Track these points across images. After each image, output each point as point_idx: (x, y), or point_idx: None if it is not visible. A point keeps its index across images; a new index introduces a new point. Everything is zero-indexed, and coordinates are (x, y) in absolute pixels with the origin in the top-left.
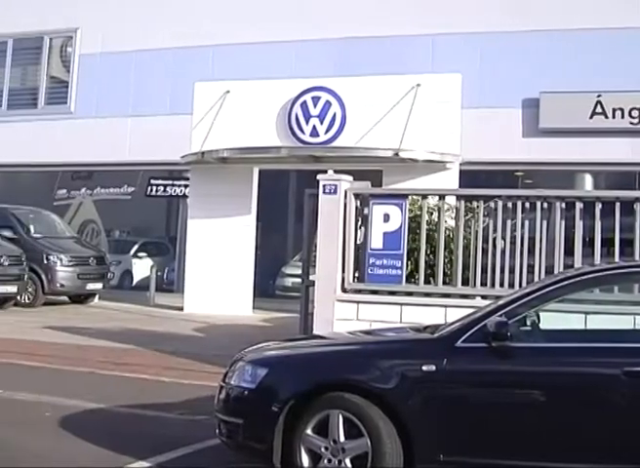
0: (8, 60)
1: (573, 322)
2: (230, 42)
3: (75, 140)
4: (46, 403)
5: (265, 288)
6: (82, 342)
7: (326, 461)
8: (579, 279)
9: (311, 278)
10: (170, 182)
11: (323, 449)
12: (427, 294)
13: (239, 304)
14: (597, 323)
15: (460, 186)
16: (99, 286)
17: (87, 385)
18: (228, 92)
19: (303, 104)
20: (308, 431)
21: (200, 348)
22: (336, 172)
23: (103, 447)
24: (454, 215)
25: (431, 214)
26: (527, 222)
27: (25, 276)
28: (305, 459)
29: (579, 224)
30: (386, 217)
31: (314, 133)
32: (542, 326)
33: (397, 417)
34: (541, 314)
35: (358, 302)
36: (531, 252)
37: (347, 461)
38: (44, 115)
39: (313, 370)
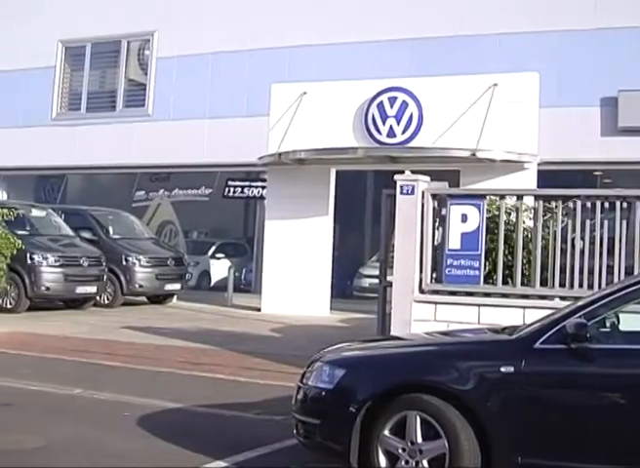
0: (87, 64)
1: None
2: (306, 43)
3: (153, 142)
4: (125, 402)
5: (343, 288)
6: (160, 342)
7: (403, 462)
8: None
9: (389, 279)
10: (247, 184)
11: (400, 451)
12: (505, 295)
13: (316, 305)
14: None
15: (538, 186)
16: (177, 286)
17: (165, 385)
18: (305, 93)
19: (380, 105)
20: (386, 432)
21: (277, 348)
22: (413, 172)
23: (181, 446)
24: (532, 216)
25: (509, 214)
26: (606, 222)
27: (105, 277)
28: (382, 460)
29: None
30: (464, 218)
31: (391, 133)
32: (622, 327)
33: (475, 419)
34: (621, 315)
35: (436, 303)
36: (610, 252)
37: (425, 463)
38: (122, 118)
39: (391, 371)
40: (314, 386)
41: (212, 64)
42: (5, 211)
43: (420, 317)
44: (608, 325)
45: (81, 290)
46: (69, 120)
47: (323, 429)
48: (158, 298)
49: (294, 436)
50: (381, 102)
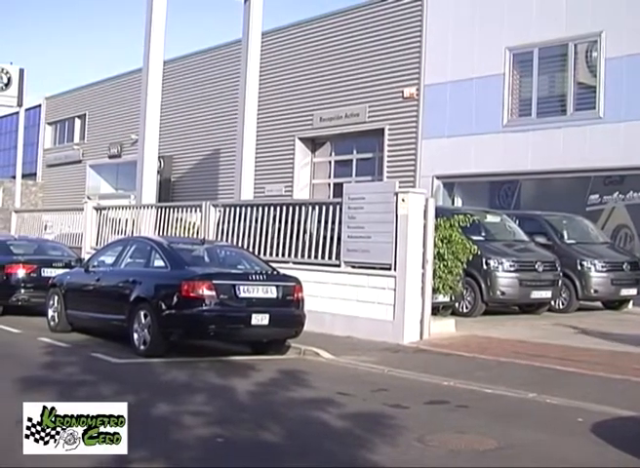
0: (535, 70)
1: None
2: None
3: (605, 145)
4: (578, 408)
5: None
6: (615, 348)
7: None
8: None
9: None
10: None
11: None
12: None
13: None
14: None
15: None
16: (633, 292)
17: (619, 392)
18: None
19: None
20: None
21: None
22: None
23: (635, 455)
24: None
25: None
26: None
27: (559, 282)
28: None
29: None
30: None
31: None
32: None
33: None
34: None
35: None
36: None
37: None
38: (573, 121)
39: None
40: None
41: None
42: (461, 217)
43: None
44: None
45: (536, 294)
46: (520, 126)
47: None
48: (613, 304)
49: None
50: None
